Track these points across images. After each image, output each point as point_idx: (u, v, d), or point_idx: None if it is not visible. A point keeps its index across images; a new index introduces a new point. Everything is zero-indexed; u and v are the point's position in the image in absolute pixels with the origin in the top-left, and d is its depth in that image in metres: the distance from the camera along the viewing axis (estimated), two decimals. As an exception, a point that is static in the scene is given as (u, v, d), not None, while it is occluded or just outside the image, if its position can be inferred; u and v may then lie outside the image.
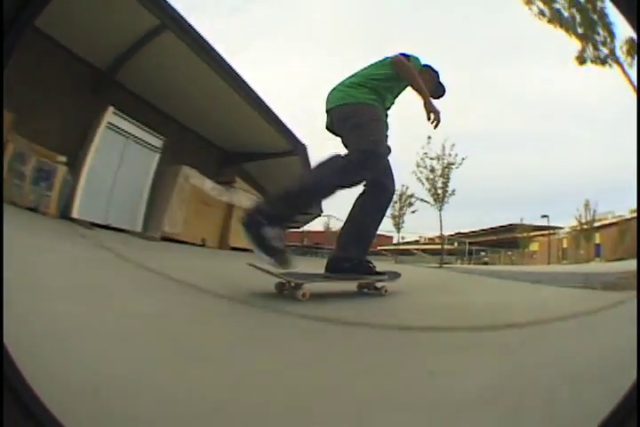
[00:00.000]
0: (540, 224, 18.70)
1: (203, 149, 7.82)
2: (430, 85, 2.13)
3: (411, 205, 13.77)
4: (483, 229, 20.21)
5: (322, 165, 1.75)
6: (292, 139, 8.03)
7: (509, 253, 19.97)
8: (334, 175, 1.69)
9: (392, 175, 2.12)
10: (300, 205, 1.71)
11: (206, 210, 6.42)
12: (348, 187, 1.80)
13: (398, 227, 13.52)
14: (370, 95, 1.95)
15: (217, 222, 6.70)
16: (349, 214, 2.03)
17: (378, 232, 2.11)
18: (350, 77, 2.08)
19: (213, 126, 7.40)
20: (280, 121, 7.47)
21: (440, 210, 10.59)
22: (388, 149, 1.94)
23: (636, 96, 0.53)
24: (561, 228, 19.15)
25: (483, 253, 20.27)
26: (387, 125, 2.03)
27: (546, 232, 18.14)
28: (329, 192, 1.74)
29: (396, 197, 12.95)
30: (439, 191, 10.73)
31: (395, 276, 2.14)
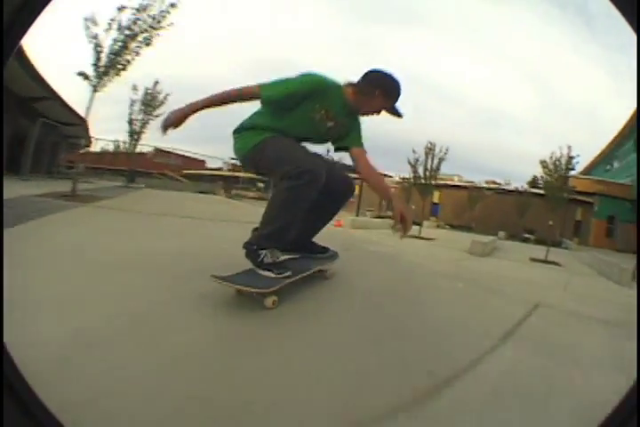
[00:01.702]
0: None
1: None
2: (377, 106, 1.53)
3: (157, 106, 10.66)
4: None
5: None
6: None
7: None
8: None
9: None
10: (279, 223, 1.44)
11: None
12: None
13: (133, 136, 10.69)
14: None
15: None
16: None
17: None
18: None
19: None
20: None
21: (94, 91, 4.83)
22: None
23: (636, 97, 0.53)
24: (388, 176, 16.78)
25: (261, 184, 19.41)
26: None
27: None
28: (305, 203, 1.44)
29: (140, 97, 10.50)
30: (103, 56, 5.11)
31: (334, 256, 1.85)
